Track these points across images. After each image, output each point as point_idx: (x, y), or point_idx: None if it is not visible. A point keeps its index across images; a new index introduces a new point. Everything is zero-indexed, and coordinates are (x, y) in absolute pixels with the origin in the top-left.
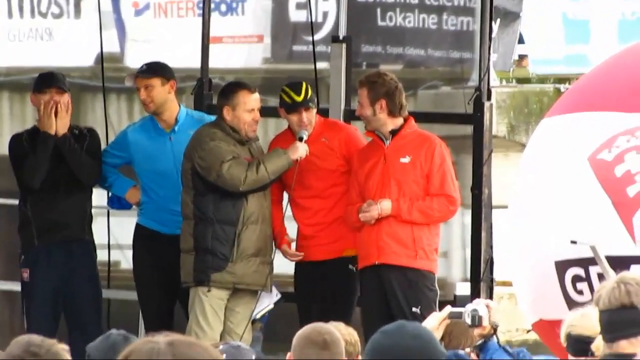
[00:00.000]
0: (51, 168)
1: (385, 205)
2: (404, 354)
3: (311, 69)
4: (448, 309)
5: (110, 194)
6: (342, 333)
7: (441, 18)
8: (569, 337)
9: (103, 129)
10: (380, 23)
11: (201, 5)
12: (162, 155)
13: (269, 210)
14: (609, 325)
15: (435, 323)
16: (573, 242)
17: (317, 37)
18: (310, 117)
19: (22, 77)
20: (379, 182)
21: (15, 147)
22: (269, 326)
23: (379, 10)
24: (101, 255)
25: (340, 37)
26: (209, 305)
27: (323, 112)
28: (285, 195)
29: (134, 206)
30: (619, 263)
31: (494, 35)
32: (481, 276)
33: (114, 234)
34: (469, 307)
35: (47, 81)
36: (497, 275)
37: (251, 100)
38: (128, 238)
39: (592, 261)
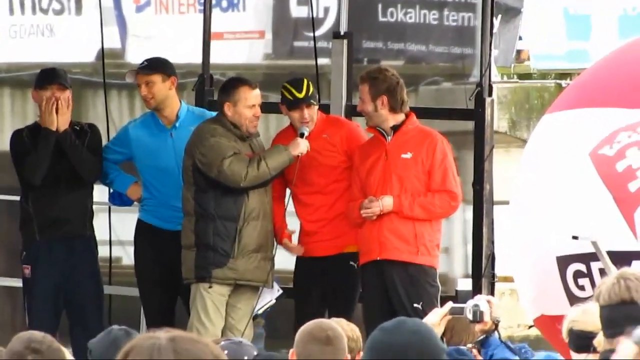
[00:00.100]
0: (52, 164)
1: (386, 202)
2: (403, 351)
3: (312, 65)
4: (449, 304)
5: (111, 190)
6: (344, 329)
7: (442, 14)
8: (571, 332)
9: (104, 125)
10: (381, 19)
11: (202, 1)
12: (163, 152)
13: (270, 206)
14: (609, 321)
15: (436, 319)
16: (574, 237)
17: (318, 33)
18: (311, 113)
19: (23, 74)
20: (380, 178)
21: (16, 144)
22: (270, 322)
23: (380, 6)
24: (102, 252)
25: (342, 33)
26: (211, 301)
27: (324, 108)
28: (288, 191)
29: (135, 202)
30: (621, 258)
31: (495, 31)
32: (482, 272)
33: (115, 230)
34: (470, 302)
35: (49, 77)
36: (499, 271)
37: (252, 96)
38: (129, 234)
39: (593, 257)
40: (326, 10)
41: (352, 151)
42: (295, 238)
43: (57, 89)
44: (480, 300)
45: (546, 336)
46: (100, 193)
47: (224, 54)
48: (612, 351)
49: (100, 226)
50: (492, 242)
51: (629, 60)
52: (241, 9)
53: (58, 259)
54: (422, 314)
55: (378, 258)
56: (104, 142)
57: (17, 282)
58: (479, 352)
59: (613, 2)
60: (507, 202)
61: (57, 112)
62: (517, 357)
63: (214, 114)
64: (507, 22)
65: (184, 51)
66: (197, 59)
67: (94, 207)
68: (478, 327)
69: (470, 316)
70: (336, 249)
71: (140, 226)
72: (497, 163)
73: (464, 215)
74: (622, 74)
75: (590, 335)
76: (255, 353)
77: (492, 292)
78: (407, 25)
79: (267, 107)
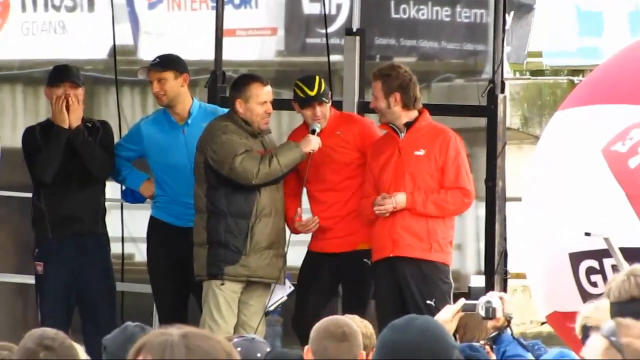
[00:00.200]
0: (64, 161)
1: (399, 199)
2: (414, 350)
3: (324, 62)
4: (462, 301)
5: (124, 187)
6: (357, 325)
7: (454, 10)
8: (584, 328)
9: (116, 122)
10: (393, 15)
11: None
12: (176, 149)
13: (282, 202)
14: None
15: (449, 315)
16: (587, 234)
17: (331, 29)
18: (324, 111)
19: (35, 71)
20: (393, 175)
21: (27, 141)
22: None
23: (392, 2)
24: (115, 248)
25: (354, 30)
26: (223, 298)
27: (336, 105)
28: (305, 189)
29: (147, 199)
30: (633, 255)
31: (507, 27)
32: (495, 268)
33: (127, 227)
34: (483, 299)
35: (61, 75)
36: (511, 268)
37: (263, 93)
38: (142, 231)
39: (606, 253)
40: (338, 6)
41: (366, 148)
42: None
43: (70, 86)
44: (493, 296)
45: (559, 333)
46: (112, 190)
47: (236, 51)
48: None
49: (112, 223)
50: (505, 239)
51: None
52: (253, 6)
53: (70, 256)
54: (435, 310)
55: (391, 255)
56: (116, 139)
57: (30, 279)
58: (492, 348)
59: None
60: (519, 199)
61: (68, 110)
62: (530, 354)
63: (226, 110)
64: (520, 18)
65: (196, 48)
66: (210, 55)
67: (107, 204)
68: (490, 323)
69: (482, 313)
70: (349, 246)
71: (153, 223)
72: (509, 160)
73: (477, 211)
74: (634, 70)
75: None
76: (268, 350)
77: (504, 289)
78: (419, 22)
79: (279, 104)
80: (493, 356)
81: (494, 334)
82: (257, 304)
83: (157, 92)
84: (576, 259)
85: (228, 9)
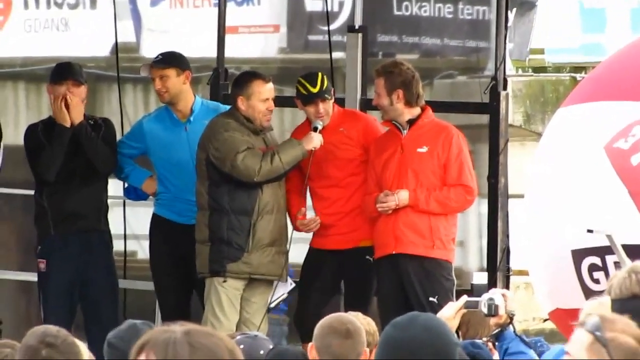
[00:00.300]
0: (67, 159)
1: (402, 196)
2: (416, 347)
3: (327, 59)
4: (464, 298)
5: (126, 184)
6: (361, 323)
7: (457, 7)
8: None
9: (118, 119)
10: (396, 12)
11: None
12: (178, 146)
13: (284, 199)
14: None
15: (451, 312)
16: (589, 231)
17: (333, 26)
18: (326, 107)
19: (38, 68)
20: (396, 172)
21: (30, 139)
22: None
23: None
24: (117, 246)
25: (356, 27)
26: (225, 295)
27: (339, 102)
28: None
29: (150, 196)
30: (636, 252)
31: (510, 24)
32: (497, 265)
33: (129, 224)
34: (485, 296)
35: (64, 72)
36: (514, 265)
37: (265, 90)
38: (144, 228)
39: (608, 250)
40: (341, 4)
41: (369, 144)
42: (309, 214)
43: (72, 84)
44: (495, 294)
45: (561, 330)
46: (115, 187)
47: (238, 48)
48: None
49: (115, 220)
50: (507, 236)
51: None
52: (256, 3)
53: (73, 254)
54: (438, 307)
55: (394, 252)
56: (118, 136)
57: (32, 277)
58: (494, 345)
59: None
60: (522, 196)
61: (67, 108)
62: (532, 351)
63: (228, 107)
64: (522, 15)
65: (198, 45)
66: (212, 53)
67: (109, 201)
68: (493, 320)
69: (485, 310)
70: (352, 243)
71: (155, 220)
72: (512, 156)
73: (479, 208)
74: (637, 67)
75: None
76: (270, 347)
77: (507, 286)
78: (421, 19)
79: (282, 101)
80: (495, 353)
81: (497, 331)
82: (260, 301)
83: (159, 89)
84: (579, 255)
85: (230, 6)
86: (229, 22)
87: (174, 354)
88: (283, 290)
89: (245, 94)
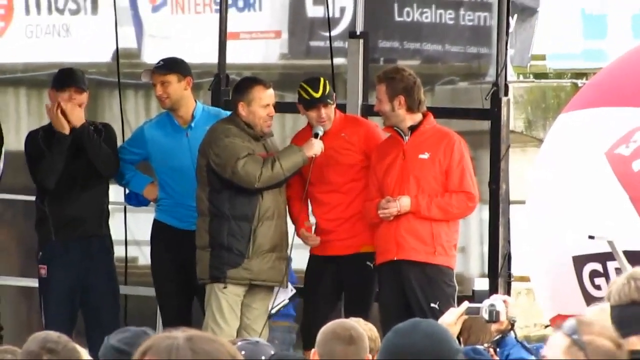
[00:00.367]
0: (68, 164)
1: (404, 202)
2: (417, 353)
3: (328, 65)
4: (465, 304)
5: (127, 190)
6: (362, 329)
7: (458, 13)
8: None
9: (119, 125)
10: (397, 18)
11: (218, 1)
12: (179, 152)
13: (285, 205)
14: (620, 321)
15: (452, 319)
16: (591, 237)
17: (334, 32)
18: (329, 112)
19: (39, 74)
20: (397, 178)
21: (30, 146)
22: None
23: (396, 5)
24: (118, 252)
25: (358, 33)
26: (225, 301)
27: (340, 108)
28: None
29: (151, 202)
30: (637, 258)
31: (511, 30)
32: (499, 271)
33: (130, 230)
34: (487, 302)
35: (67, 79)
36: (515, 271)
37: (266, 96)
38: (145, 234)
39: (609, 256)
40: (342, 10)
41: (370, 150)
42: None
43: (75, 91)
44: (497, 300)
45: None
46: (115, 193)
47: (240, 54)
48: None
49: (115, 226)
50: (509, 242)
51: None
52: (257, 9)
53: (74, 259)
54: (439, 313)
55: (395, 258)
56: (119, 142)
57: (33, 282)
58: (495, 351)
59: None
60: (523, 202)
61: (64, 115)
62: (534, 357)
63: (229, 113)
64: (523, 21)
65: (200, 51)
66: (213, 58)
67: (110, 207)
68: (494, 326)
69: (486, 316)
70: (352, 249)
71: (157, 226)
72: (513, 162)
73: (480, 214)
74: (638, 73)
75: None
76: (272, 352)
77: (508, 292)
78: (423, 25)
79: (283, 107)
80: (497, 359)
81: (498, 337)
82: (261, 307)
83: (161, 95)
84: (580, 262)
85: (232, 12)
86: (230, 28)
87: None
88: (284, 296)
89: (245, 99)
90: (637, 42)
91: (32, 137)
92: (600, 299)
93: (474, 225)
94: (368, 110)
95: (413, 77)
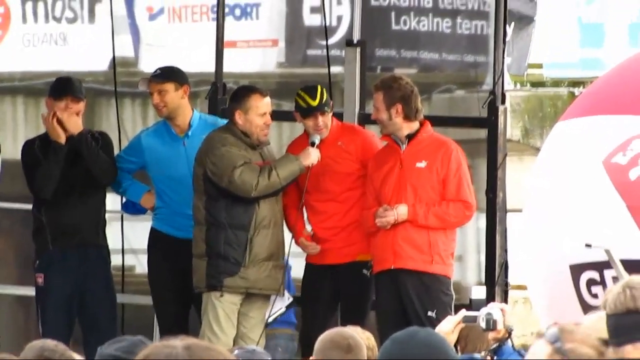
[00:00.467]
0: (65, 173)
1: (401, 211)
2: None
3: (325, 73)
4: (463, 313)
5: (124, 199)
6: (360, 337)
7: (455, 22)
8: None
9: (116, 134)
10: (394, 27)
11: (215, 9)
12: (176, 160)
13: (281, 214)
14: (615, 330)
15: (450, 327)
16: (588, 245)
17: (331, 41)
18: (326, 121)
19: (36, 82)
20: (395, 187)
21: (27, 155)
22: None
23: (393, 14)
24: (115, 260)
25: (355, 41)
26: (222, 310)
27: (337, 117)
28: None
29: (148, 211)
30: (634, 266)
31: (508, 38)
32: (496, 280)
33: (127, 239)
34: (484, 311)
35: (64, 88)
36: (512, 279)
37: (263, 104)
38: (142, 243)
39: (607, 265)
40: (339, 18)
41: (367, 159)
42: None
43: (72, 100)
44: (494, 308)
45: None
46: (112, 202)
47: (237, 62)
48: None
49: (112, 235)
50: (505, 250)
51: None
52: (254, 17)
53: (71, 268)
54: (436, 322)
55: (392, 267)
56: (116, 151)
57: (30, 291)
58: None
59: (625, 9)
60: (520, 210)
61: (60, 123)
62: None
63: (226, 122)
64: (520, 30)
65: (197, 60)
66: (210, 67)
67: (107, 215)
68: (491, 335)
69: (483, 324)
70: (349, 257)
71: (154, 235)
72: (510, 171)
73: (477, 223)
74: (635, 81)
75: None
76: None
77: (505, 300)
78: (420, 34)
79: (280, 115)
80: None
81: (495, 345)
82: (257, 316)
83: (158, 103)
84: (577, 270)
85: (229, 21)
86: (227, 37)
87: None
88: (280, 304)
89: (242, 108)
90: (633, 51)
91: (28, 145)
92: (597, 308)
93: (471, 234)
94: (365, 119)
95: (410, 85)
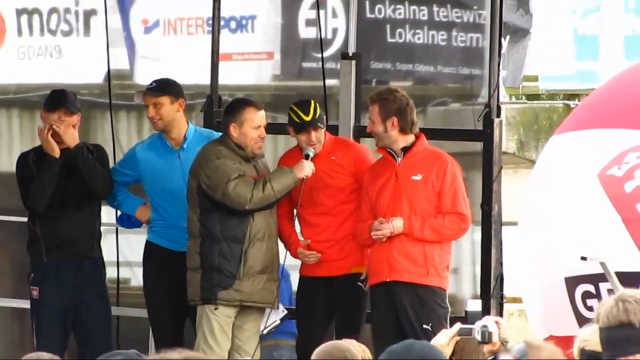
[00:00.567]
0: (60, 185)
1: (397, 224)
2: None
3: (320, 86)
4: (458, 325)
5: (119, 212)
6: (356, 350)
7: (450, 34)
8: (583, 352)
9: (111, 147)
10: (389, 40)
11: (211, 22)
12: (172, 173)
13: (275, 226)
14: (608, 343)
15: (445, 340)
16: (583, 258)
17: (327, 54)
18: (319, 136)
19: (32, 95)
20: (390, 200)
21: (21, 168)
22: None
23: (388, 27)
24: (110, 273)
25: (350, 54)
26: (217, 323)
27: (333, 129)
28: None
29: (143, 224)
30: (629, 279)
31: (503, 51)
32: (491, 293)
33: (122, 251)
34: (479, 323)
35: (56, 101)
36: (507, 292)
37: (258, 117)
38: (137, 255)
39: (602, 277)
40: (334, 31)
41: (360, 174)
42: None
43: (64, 112)
44: (489, 321)
45: None
46: (107, 214)
47: (232, 75)
48: None
49: (107, 247)
50: (501, 263)
51: (638, 80)
52: (250, 30)
53: (66, 281)
54: (432, 334)
55: (388, 279)
56: (111, 164)
57: (25, 304)
58: None
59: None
60: (515, 223)
61: (54, 137)
62: None
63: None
64: (516, 42)
65: (192, 72)
66: (206, 80)
67: (102, 228)
68: (487, 347)
69: (478, 337)
70: (343, 270)
71: (149, 248)
72: (505, 184)
73: (473, 236)
74: (630, 94)
75: (602, 356)
76: None
77: (500, 313)
78: (415, 46)
79: (275, 128)
80: None
81: (490, 358)
82: (252, 329)
83: (153, 116)
84: (572, 283)
85: (224, 33)
86: (222, 49)
87: None
88: (275, 317)
89: (237, 121)
90: (629, 64)
91: (23, 158)
92: (592, 320)
93: (467, 247)
94: (360, 132)
95: (406, 98)
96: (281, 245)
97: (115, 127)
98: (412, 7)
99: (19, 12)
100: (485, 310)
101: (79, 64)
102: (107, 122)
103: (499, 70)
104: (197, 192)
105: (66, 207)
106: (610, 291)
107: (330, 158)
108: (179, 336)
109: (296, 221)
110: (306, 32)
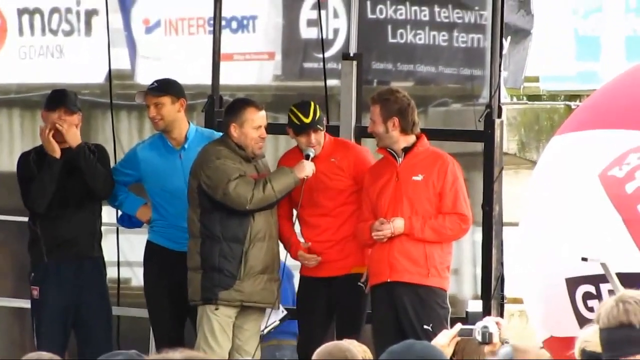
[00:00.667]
0: (60, 185)
1: (397, 224)
2: None
3: (322, 87)
4: (458, 326)
5: (120, 212)
6: (357, 350)
7: (452, 35)
8: (584, 352)
9: (112, 147)
10: (391, 40)
11: (212, 22)
12: (173, 173)
13: (276, 227)
14: (608, 344)
15: (445, 340)
16: (584, 259)
17: (328, 54)
18: (318, 138)
19: (33, 95)
20: (391, 200)
21: (22, 168)
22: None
23: (389, 27)
24: (111, 273)
25: (351, 54)
26: (217, 323)
27: (334, 130)
28: (293, 212)
29: (144, 224)
30: (630, 280)
31: (504, 52)
32: (492, 293)
33: (123, 251)
34: (480, 324)
35: (57, 100)
36: (508, 292)
37: (258, 117)
38: (137, 255)
39: (603, 278)
40: (336, 31)
41: (360, 175)
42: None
43: (65, 112)
44: (489, 321)
45: (555, 357)
46: (108, 214)
47: (233, 75)
48: None
49: (108, 247)
50: (502, 264)
51: (639, 81)
52: (251, 30)
53: (66, 280)
54: (432, 335)
55: (388, 280)
56: (112, 164)
57: (26, 304)
58: None
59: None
60: (516, 224)
61: (56, 137)
62: None
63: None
64: (517, 43)
65: (193, 72)
66: (207, 80)
67: (102, 228)
68: (487, 348)
69: (479, 338)
70: (344, 270)
71: (150, 248)
72: (506, 184)
73: (473, 236)
74: (631, 95)
75: (602, 357)
76: None
77: (501, 314)
78: (416, 47)
79: (277, 129)
80: None
81: (491, 359)
82: (252, 329)
83: (154, 116)
84: (573, 284)
85: (225, 34)
86: (224, 50)
87: None
88: (275, 317)
89: (238, 121)
90: (630, 64)
91: (24, 158)
92: (593, 321)
93: (467, 247)
94: (361, 132)
95: (407, 98)
96: (281, 246)
97: (116, 127)
98: (414, 8)
99: (20, 12)
100: (486, 311)
101: (80, 64)
102: (108, 122)
103: (500, 70)
104: (197, 192)
105: (67, 207)
106: (611, 292)
107: (330, 160)
108: (180, 336)
109: (296, 222)
110: (307, 33)
